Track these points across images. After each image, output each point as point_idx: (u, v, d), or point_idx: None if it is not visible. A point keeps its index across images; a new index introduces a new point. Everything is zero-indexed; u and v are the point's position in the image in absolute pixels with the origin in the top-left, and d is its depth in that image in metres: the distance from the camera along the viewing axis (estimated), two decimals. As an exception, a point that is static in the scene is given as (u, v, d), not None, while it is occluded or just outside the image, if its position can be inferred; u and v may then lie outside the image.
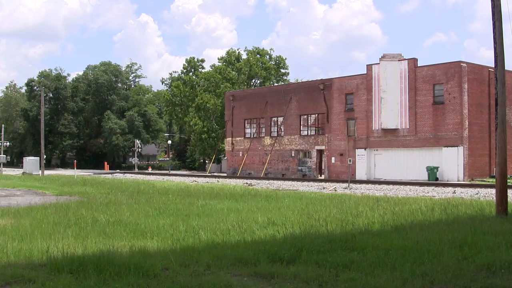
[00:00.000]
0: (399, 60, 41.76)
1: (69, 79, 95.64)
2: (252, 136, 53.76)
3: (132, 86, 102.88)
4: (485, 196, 22.54)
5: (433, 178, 38.20)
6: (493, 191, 20.08)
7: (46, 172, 51.15)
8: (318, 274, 7.41)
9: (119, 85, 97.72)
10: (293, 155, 49.58)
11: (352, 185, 32.51)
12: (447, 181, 37.17)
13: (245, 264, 8.18)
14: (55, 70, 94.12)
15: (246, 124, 54.54)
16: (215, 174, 57.43)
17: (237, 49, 76.61)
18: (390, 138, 42.36)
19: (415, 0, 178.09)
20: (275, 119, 51.56)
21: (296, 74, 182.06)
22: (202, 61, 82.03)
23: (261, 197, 21.72)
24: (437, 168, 38.75)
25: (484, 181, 36.69)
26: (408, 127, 41.20)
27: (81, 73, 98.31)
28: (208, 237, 10.99)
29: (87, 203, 18.55)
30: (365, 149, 43.68)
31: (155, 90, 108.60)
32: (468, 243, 9.51)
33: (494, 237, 10.21)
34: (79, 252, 8.98)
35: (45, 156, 58.84)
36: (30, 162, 54.50)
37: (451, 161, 38.80)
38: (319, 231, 11.31)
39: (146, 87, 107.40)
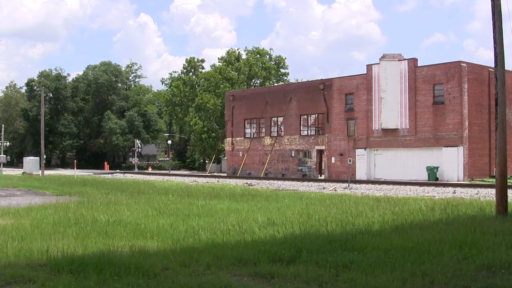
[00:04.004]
0: (399, 60, 41.74)
1: (69, 79, 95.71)
2: (252, 136, 53.74)
3: (132, 86, 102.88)
4: (485, 196, 22.52)
5: (433, 178, 38.20)
6: (493, 191, 20.08)
7: (46, 172, 51.12)
8: (318, 274, 7.41)
9: (119, 85, 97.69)
10: (293, 155, 49.57)
11: (352, 185, 32.51)
12: (447, 181, 37.16)
13: (245, 264, 8.17)
14: (55, 70, 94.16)
15: (246, 124, 54.52)
16: (215, 174, 57.41)
17: (237, 49, 76.69)
18: (390, 138, 42.35)
19: (413, 0, 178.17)
20: (275, 119, 51.55)
21: (295, 74, 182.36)
22: (202, 61, 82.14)
23: (261, 197, 21.71)
24: (437, 168, 38.74)
25: (484, 181, 36.67)
26: (408, 127, 41.19)
27: (81, 73, 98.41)
28: (208, 237, 10.99)
29: (87, 203, 18.54)
30: (365, 149, 43.68)
31: (155, 90, 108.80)
32: (468, 243, 9.50)
33: (494, 237, 10.21)
34: (79, 252, 8.98)
35: (45, 156, 58.80)
36: (30, 162, 54.48)
37: (451, 161, 38.79)
38: (319, 231, 11.30)
39: (146, 87, 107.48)
